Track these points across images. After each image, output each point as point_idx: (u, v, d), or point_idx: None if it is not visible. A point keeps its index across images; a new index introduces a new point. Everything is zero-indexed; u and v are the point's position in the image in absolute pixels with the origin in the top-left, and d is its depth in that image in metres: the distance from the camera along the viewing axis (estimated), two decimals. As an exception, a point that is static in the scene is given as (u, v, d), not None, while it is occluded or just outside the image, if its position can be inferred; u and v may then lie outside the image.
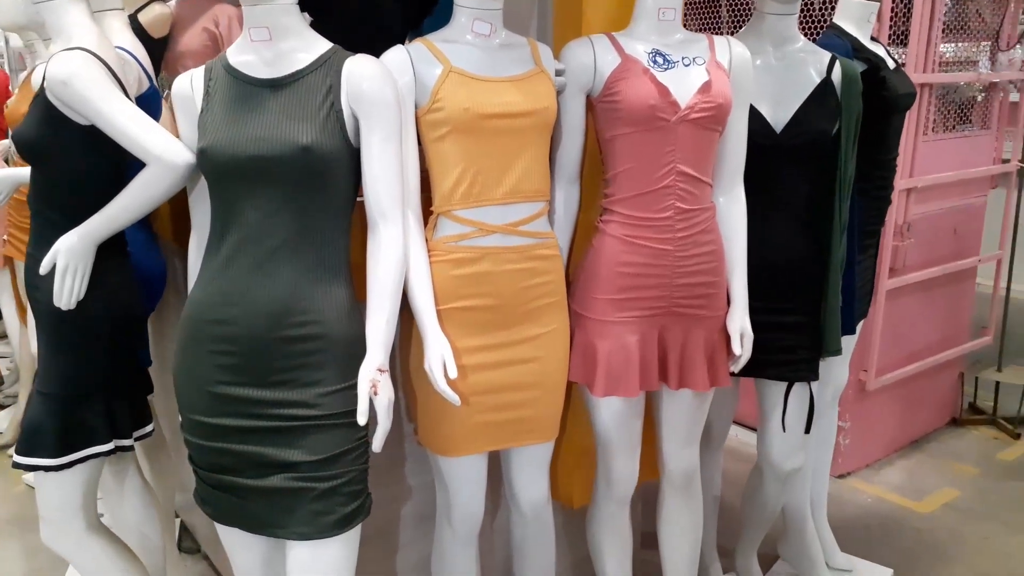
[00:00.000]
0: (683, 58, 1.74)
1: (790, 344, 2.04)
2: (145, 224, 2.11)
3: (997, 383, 3.91)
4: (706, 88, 1.71)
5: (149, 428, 1.92)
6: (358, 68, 1.48)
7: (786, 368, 2.06)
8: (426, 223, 1.67)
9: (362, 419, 1.44)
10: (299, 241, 1.47)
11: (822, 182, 2.00)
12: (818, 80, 1.96)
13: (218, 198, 1.51)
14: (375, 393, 1.45)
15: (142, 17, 2.49)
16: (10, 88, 4.30)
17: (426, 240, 1.65)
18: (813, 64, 1.98)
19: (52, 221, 1.67)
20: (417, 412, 1.76)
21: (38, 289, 1.69)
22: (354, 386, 1.47)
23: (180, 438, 1.88)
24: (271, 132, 1.44)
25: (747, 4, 3.34)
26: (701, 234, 1.79)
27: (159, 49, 2.63)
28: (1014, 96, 3.69)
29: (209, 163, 1.48)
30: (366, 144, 1.49)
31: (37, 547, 2.87)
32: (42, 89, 1.61)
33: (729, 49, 1.80)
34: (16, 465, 1.71)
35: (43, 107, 1.61)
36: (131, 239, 1.91)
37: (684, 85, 1.71)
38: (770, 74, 1.96)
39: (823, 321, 2.06)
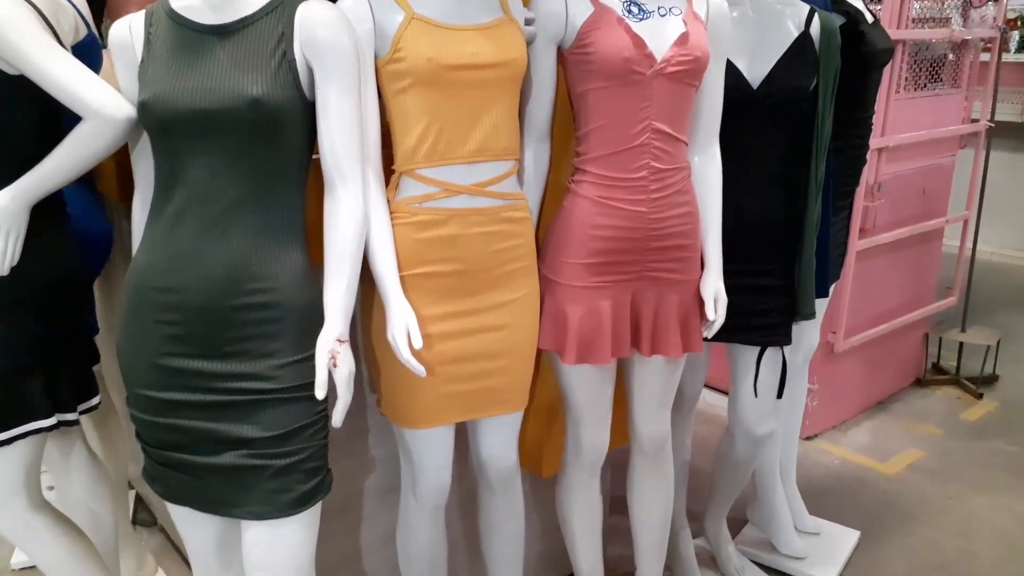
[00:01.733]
0: (659, 8, 1.65)
1: (764, 308, 1.99)
2: (88, 183, 1.98)
3: (961, 344, 3.94)
4: (683, 40, 1.62)
5: (95, 401, 1.81)
6: (312, 14, 1.37)
7: (759, 332, 2.02)
8: (388, 182, 1.57)
9: (320, 392, 1.36)
10: (250, 201, 1.37)
11: (799, 141, 1.94)
12: (796, 34, 1.88)
13: (162, 155, 1.40)
14: (334, 365, 1.36)
15: (84, -39, 2.31)
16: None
17: (388, 201, 1.55)
18: (791, 17, 1.90)
19: None
20: (380, 383, 1.68)
21: None
22: (311, 357, 1.38)
23: (129, 411, 1.77)
24: (218, 83, 1.33)
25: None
26: (676, 195, 1.72)
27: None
28: (984, 56, 3.66)
29: (151, 117, 1.36)
30: (321, 97, 1.39)
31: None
32: None
33: (707, 0, 1.71)
34: None
35: None
36: (73, 199, 1.78)
37: (660, 37, 1.62)
38: (747, 27, 1.88)
39: (797, 284, 2.01)
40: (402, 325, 1.48)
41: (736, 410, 2.16)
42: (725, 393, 2.98)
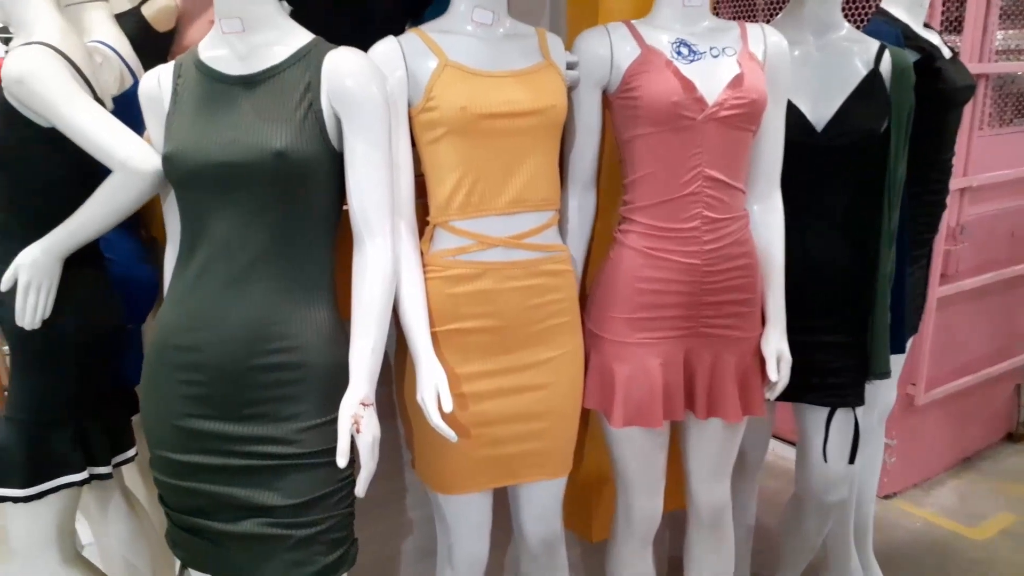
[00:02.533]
0: (711, 48, 1.55)
1: (833, 366, 1.83)
2: (132, 229, 1.97)
3: (1057, 396, 3.63)
4: (737, 82, 1.51)
5: (131, 453, 1.78)
6: (340, 63, 1.32)
7: (828, 392, 1.86)
8: (422, 235, 1.50)
9: (342, 460, 1.28)
10: (275, 257, 1.32)
11: (869, 186, 1.79)
12: (865, 72, 1.75)
13: (186, 209, 1.36)
14: (357, 430, 1.28)
15: (146, 10, 2.35)
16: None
17: (421, 254, 1.48)
18: (859, 54, 1.76)
19: (14, 232, 1.53)
20: (413, 443, 1.59)
21: (2, 305, 1.55)
22: (336, 420, 1.31)
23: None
24: (242, 135, 1.28)
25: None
26: (732, 246, 1.59)
27: (165, 44, 2.50)
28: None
29: (174, 170, 1.33)
30: (349, 149, 1.33)
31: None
32: (0, 88, 1.47)
33: (764, 38, 1.60)
34: None
35: (1, 107, 1.47)
36: (116, 246, 1.77)
37: (712, 79, 1.51)
38: (810, 66, 1.75)
39: (870, 341, 1.85)
40: (431, 386, 1.40)
41: (804, 476, 1.99)
42: (794, 444, 2.80)
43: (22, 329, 1.51)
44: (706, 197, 1.54)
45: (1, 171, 1.53)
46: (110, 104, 1.64)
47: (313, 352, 1.32)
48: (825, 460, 1.92)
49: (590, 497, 1.94)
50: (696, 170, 1.53)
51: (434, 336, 1.46)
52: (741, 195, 1.61)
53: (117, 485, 1.92)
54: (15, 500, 1.57)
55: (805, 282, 1.76)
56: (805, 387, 1.80)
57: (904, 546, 2.86)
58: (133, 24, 2.16)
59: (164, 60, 2.32)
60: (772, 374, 1.66)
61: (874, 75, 1.74)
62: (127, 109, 1.56)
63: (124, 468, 1.87)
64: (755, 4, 3.22)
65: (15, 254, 1.49)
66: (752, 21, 1.64)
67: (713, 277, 1.58)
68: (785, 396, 1.76)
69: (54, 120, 1.41)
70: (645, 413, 1.61)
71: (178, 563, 2.58)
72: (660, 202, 1.55)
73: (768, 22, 1.68)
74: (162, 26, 2.51)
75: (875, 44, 1.78)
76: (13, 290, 1.49)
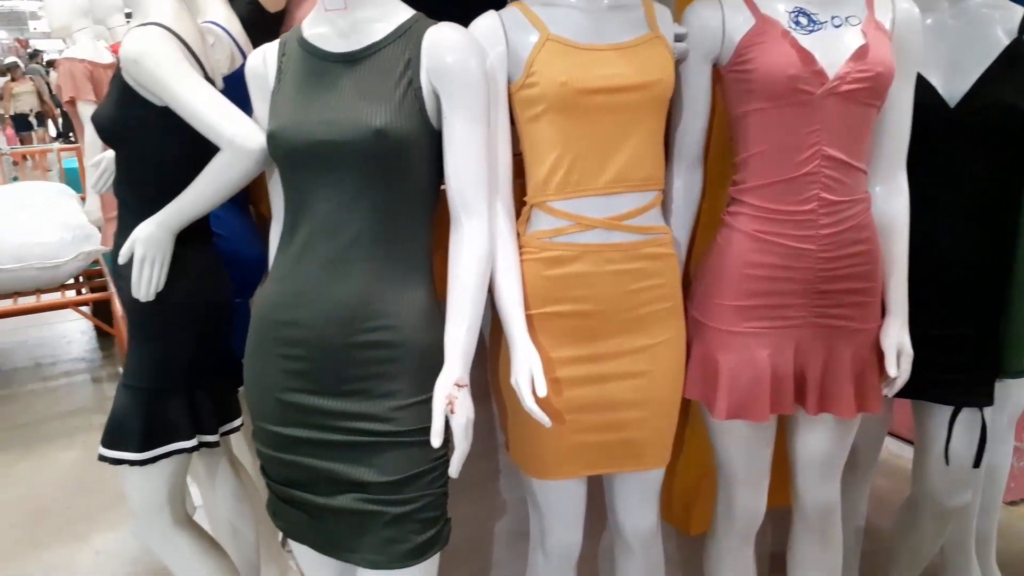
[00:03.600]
0: (833, 17, 1.44)
1: (959, 362, 1.70)
2: (241, 206, 2.03)
3: None
4: (861, 54, 1.40)
5: (237, 423, 1.84)
6: (440, 38, 1.30)
7: (953, 390, 1.72)
8: (519, 215, 1.47)
9: (436, 440, 1.27)
10: (375, 235, 1.32)
11: (1005, 168, 1.64)
12: (1007, 42, 1.59)
13: (289, 186, 1.37)
14: (451, 411, 1.27)
15: (257, -11, 2.41)
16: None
17: (518, 235, 1.45)
18: (1001, 22, 1.61)
19: (132, 207, 1.60)
20: (508, 427, 1.57)
21: (121, 278, 1.62)
22: (432, 400, 1.30)
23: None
24: (342, 114, 1.28)
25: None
26: (851, 231, 1.49)
27: (275, 23, 2.56)
28: None
29: (277, 148, 1.34)
30: (448, 126, 1.31)
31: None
32: (119, 68, 1.53)
33: (892, 5, 1.47)
34: (102, 458, 1.67)
35: (120, 86, 1.53)
36: (225, 223, 1.83)
37: (834, 50, 1.41)
38: (944, 35, 1.61)
39: (1003, 335, 1.70)
40: (526, 370, 1.37)
41: (922, 478, 1.86)
42: (910, 442, 2.62)
43: (138, 301, 1.57)
44: (824, 178, 1.44)
45: (119, 148, 1.60)
46: (220, 83, 1.68)
47: (410, 331, 1.32)
48: (947, 462, 1.79)
49: (689, 489, 1.87)
50: (814, 148, 1.43)
51: (528, 319, 1.42)
52: (863, 176, 1.50)
53: (224, 452, 2.00)
54: (131, 463, 1.65)
55: (931, 270, 1.63)
56: (928, 383, 1.68)
57: (1031, 556, 2.66)
58: (244, 5, 2.21)
59: (275, 39, 2.37)
60: (892, 369, 1.55)
61: (1018, 44, 1.58)
62: (237, 88, 1.59)
63: (232, 437, 1.94)
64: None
65: (132, 229, 1.55)
66: None
67: (829, 264, 1.49)
68: (905, 393, 1.64)
69: (166, 99, 1.45)
70: (750, 406, 1.53)
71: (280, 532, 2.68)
72: (774, 182, 1.47)
73: None
74: (272, 6, 2.56)
75: (1020, 10, 1.61)
76: (131, 263, 1.55)
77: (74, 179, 5.01)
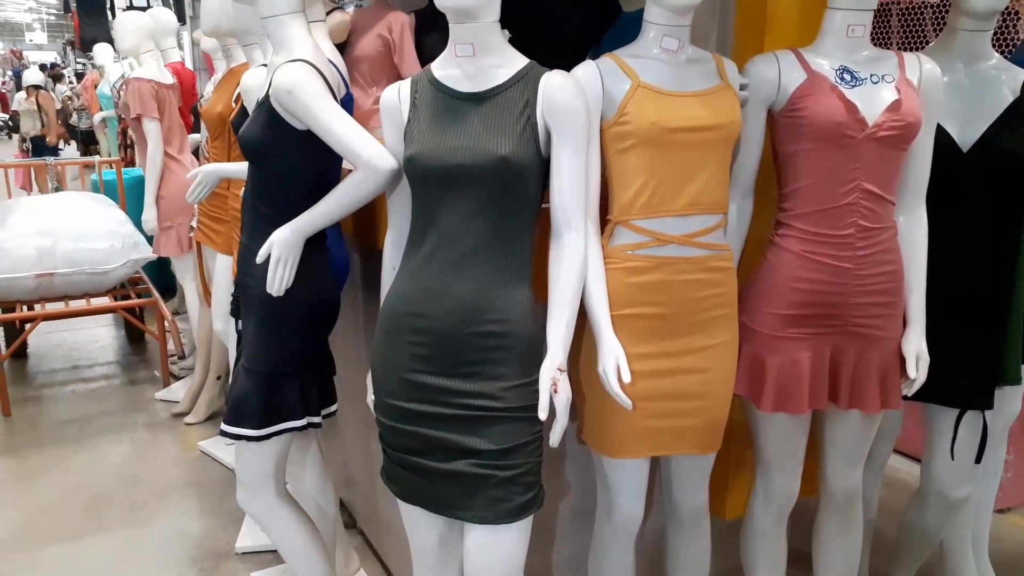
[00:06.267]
0: (871, 75, 1.73)
1: (966, 369, 1.98)
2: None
3: None
4: (896, 106, 1.69)
5: (334, 408, 2.07)
6: (554, 83, 1.56)
7: (959, 394, 2.00)
8: (602, 232, 1.73)
9: (543, 414, 1.51)
10: (491, 244, 1.57)
11: (1010, 205, 1.93)
12: (1011, 99, 1.89)
13: (420, 201, 1.62)
14: (555, 391, 1.52)
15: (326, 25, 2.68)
16: (196, 86, 4.69)
17: (602, 247, 1.71)
18: (1007, 82, 1.91)
19: (266, 215, 1.84)
20: (584, 412, 1.83)
21: (251, 276, 1.86)
22: (534, 382, 1.55)
23: (349, 419, 1.97)
24: (472, 143, 1.54)
25: (919, 14, 3.21)
26: (882, 253, 1.77)
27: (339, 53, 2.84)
28: None
29: (415, 169, 1.59)
30: (556, 155, 1.57)
31: (211, 508, 3.15)
32: (267, 96, 1.78)
33: (919, 66, 1.77)
34: (223, 433, 1.90)
35: (267, 112, 1.77)
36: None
37: (873, 103, 1.70)
38: (959, 92, 1.91)
39: (1003, 347, 1.98)
40: (613, 360, 1.62)
41: (930, 472, 2.13)
42: (911, 458, 2.89)
43: (267, 295, 1.81)
44: (861, 208, 1.72)
45: (260, 165, 1.84)
46: None
47: (517, 324, 1.57)
48: (952, 458, 2.06)
49: (726, 479, 2.12)
50: (854, 183, 1.71)
51: (611, 319, 1.68)
52: (892, 207, 1.79)
53: (316, 436, 2.23)
54: (249, 439, 1.88)
55: (944, 290, 1.91)
56: (938, 388, 1.94)
57: (1018, 557, 2.92)
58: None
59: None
60: (911, 371, 1.82)
61: (1020, 102, 1.88)
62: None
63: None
64: (890, 29, 3.33)
65: (265, 234, 1.79)
66: (886, 45, 1.81)
67: (863, 281, 1.76)
68: (919, 395, 1.92)
69: (312, 125, 1.70)
70: (792, 400, 1.80)
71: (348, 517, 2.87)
72: (819, 210, 1.74)
73: (905, 47, 1.84)
74: (336, 38, 2.83)
75: (1022, 73, 1.92)
76: (263, 262, 1.79)
77: (110, 191, 5.21)
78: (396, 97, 1.67)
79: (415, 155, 1.58)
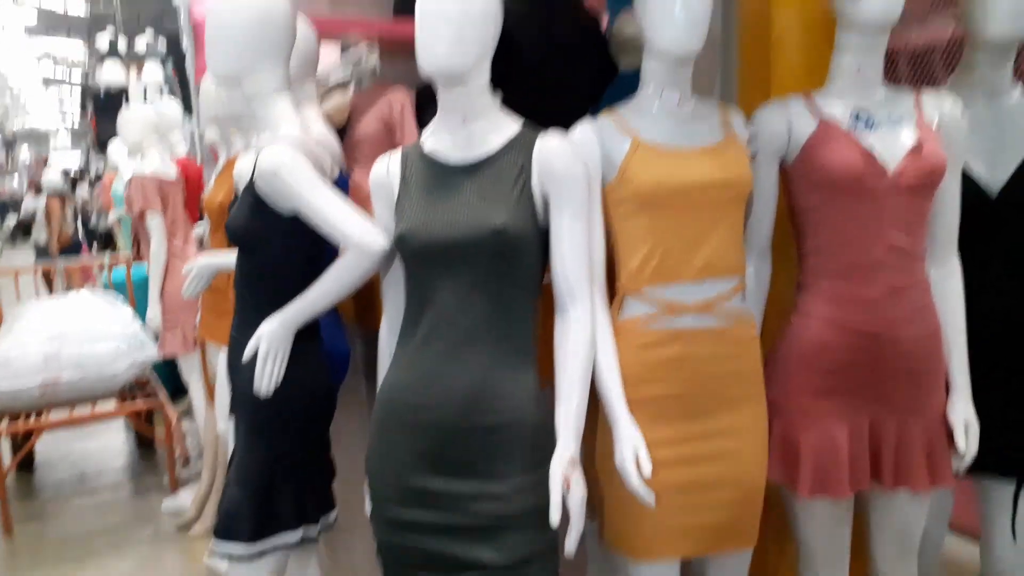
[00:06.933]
0: (888, 117, 1.60)
1: (1020, 435, 1.77)
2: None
3: None
4: (917, 150, 1.55)
5: (334, 515, 1.90)
6: (549, 147, 1.46)
7: (1016, 461, 1.79)
8: (610, 302, 1.59)
9: (555, 516, 1.34)
10: (492, 324, 1.44)
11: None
12: (1041, 135, 1.75)
13: (414, 281, 1.51)
14: (568, 488, 1.35)
15: (323, 106, 2.63)
16: (203, 178, 4.67)
17: (612, 321, 1.57)
18: (1034, 118, 1.77)
19: (254, 305, 1.71)
20: (604, 509, 1.64)
21: (239, 373, 1.72)
22: (544, 479, 1.39)
23: (358, 526, 1.81)
24: (466, 215, 1.43)
25: (928, 56, 3.12)
26: (916, 312, 1.61)
27: (339, 136, 2.78)
28: None
29: (407, 247, 1.48)
30: (555, 222, 1.45)
31: (219, 625, 2.94)
32: (252, 179, 1.68)
33: (939, 105, 1.64)
34: (214, 552, 1.73)
35: (252, 196, 1.67)
36: (320, 321, 1.95)
37: (892, 148, 1.56)
38: (982, 130, 1.77)
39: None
40: (631, 448, 1.45)
41: (989, 555, 1.89)
42: (963, 534, 2.64)
43: (255, 396, 1.67)
44: (890, 264, 1.57)
45: (247, 252, 1.73)
46: None
47: (523, 413, 1.42)
48: (1014, 538, 1.83)
49: (767, 564, 1.92)
50: (879, 238, 1.56)
51: (626, 401, 1.51)
52: (922, 261, 1.63)
53: (314, 549, 2.05)
54: (240, 558, 1.71)
55: (988, 347, 1.74)
56: (991, 457, 1.74)
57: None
58: (312, 122, 2.41)
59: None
60: (961, 443, 1.63)
61: (1051, 138, 1.74)
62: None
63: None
64: (898, 71, 3.23)
65: (254, 325, 1.66)
66: (895, 82, 1.68)
67: (898, 344, 1.59)
68: (969, 468, 1.71)
69: (298, 206, 1.59)
70: (832, 482, 1.61)
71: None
72: (842, 270, 1.59)
73: (911, 83, 1.71)
74: (336, 121, 2.77)
75: (1052, 107, 1.78)
76: (251, 359, 1.65)
77: (120, 290, 5.16)
78: (385, 172, 1.57)
79: (406, 232, 1.47)
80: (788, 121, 1.62)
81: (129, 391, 4.32)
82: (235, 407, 1.78)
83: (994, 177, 1.75)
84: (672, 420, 1.54)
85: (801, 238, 1.69)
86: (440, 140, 1.53)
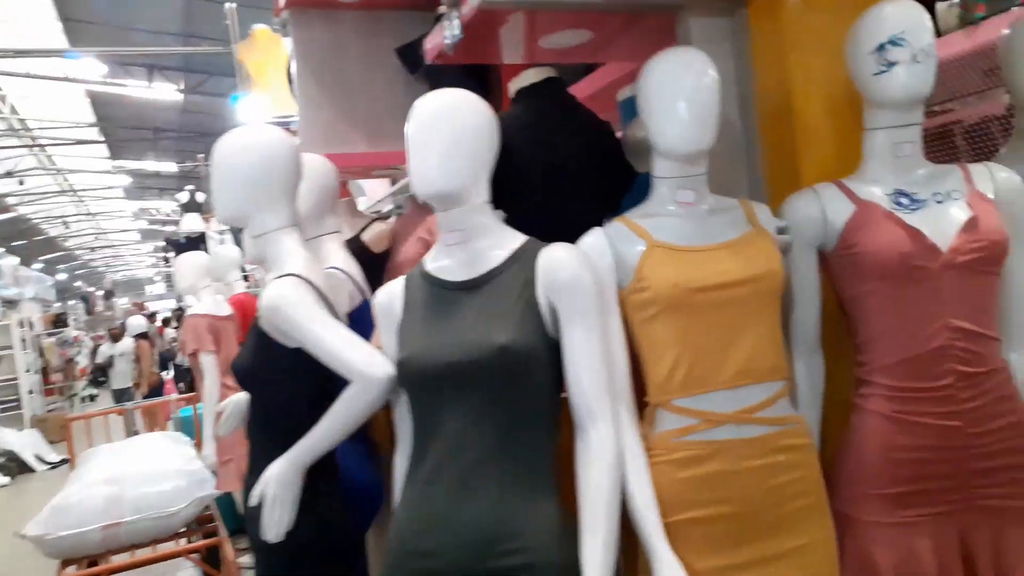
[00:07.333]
0: (934, 195, 1.46)
1: None
2: (359, 435, 2.06)
3: None
4: (972, 225, 1.40)
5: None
6: (553, 257, 1.37)
7: None
8: (640, 417, 1.45)
9: None
10: (503, 452, 1.31)
11: None
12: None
13: (418, 410, 1.41)
14: None
15: (365, 236, 2.64)
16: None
17: (643, 437, 1.42)
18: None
19: (263, 446, 1.64)
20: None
21: (251, 520, 1.63)
22: None
23: None
24: (467, 335, 1.34)
25: (986, 128, 2.94)
26: (997, 402, 1.41)
27: (381, 262, 2.77)
28: None
29: (407, 374, 1.39)
30: (567, 336, 1.34)
31: None
32: (257, 317, 1.64)
33: (991, 176, 1.49)
34: None
35: (257, 334, 1.63)
36: (344, 453, 1.84)
37: (942, 225, 1.41)
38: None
39: None
40: None
41: None
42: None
43: (268, 542, 1.56)
44: (957, 350, 1.39)
45: (255, 392, 1.67)
46: (344, 321, 1.77)
47: (545, 553, 1.27)
48: None
49: None
50: (940, 322, 1.39)
51: (665, 528, 1.35)
52: (997, 344, 1.44)
53: None
54: None
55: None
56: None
57: None
58: (354, 247, 2.39)
59: (381, 276, 2.55)
60: (1074, 551, 1.39)
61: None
62: (359, 325, 1.68)
63: None
64: (956, 150, 3.06)
65: (261, 469, 1.58)
66: (954, 159, 1.54)
67: (981, 439, 1.40)
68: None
69: (300, 338, 1.53)
70: (920, 608, 1.38)
71: None
72: (903, 360, 1.42)
73: (971, 158, 1.57)
74: (378, 247, 2.76)
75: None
76: (255, 505, 1.56)
77: (188, 427, 5.21)
78: (387, 298, 1.50)
79: (406, 358, 1.39)
80: (822, 207, 1.50)
81: (193, 528, 4.27)
82: (254, 556, 1.67)
83: None
84: (721, 547, 1.36)
85: (853, 329, 1.52)
86: (442, 262, 1.46)
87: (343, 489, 1.74)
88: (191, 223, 10.99)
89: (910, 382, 1.42)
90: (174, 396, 6.31)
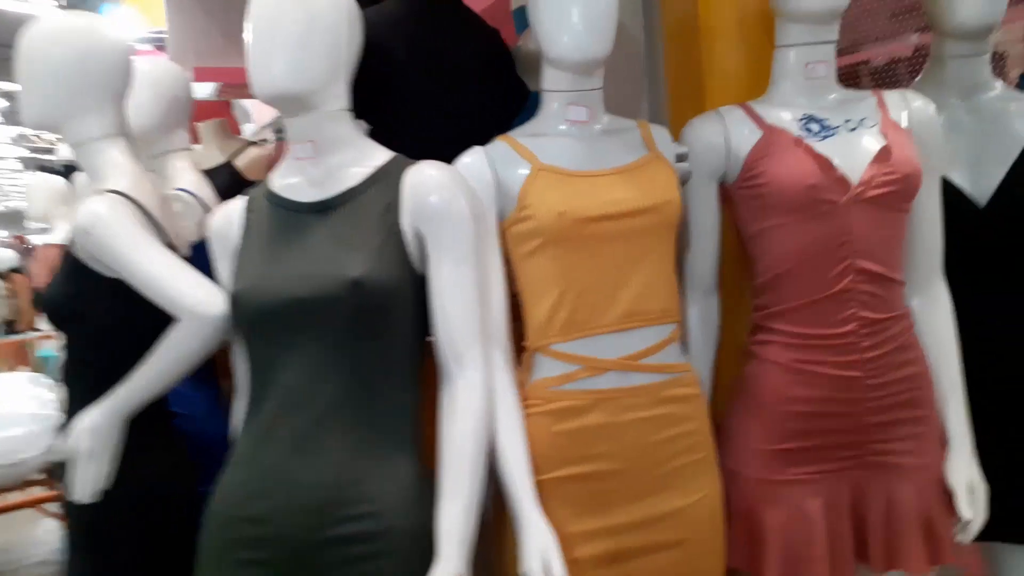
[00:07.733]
0: (846, 121, 1.33)
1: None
2: (206, 380, 1.83)
3: None
4: (884, 155, 1.28)
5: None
6: (423, 177, 1.17)
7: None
8: (518, 362, 1.29)
9: None
10: (353, 404, 1.14)
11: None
12: (1029, 133, 1.48)
13: (254, 355, 1.21)
14: None
15: (239, 161, 2.37)
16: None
17: (519, 385, 1.26)
18: (1018, 114, 1.50)
19: (78, 394, 1.39)
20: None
21: (61, 479, 1.39)
22: None
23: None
24: (314, 267, 1.14)
25: (892, 70, 2.89)
26: (897, 352, 1.32)
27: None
28: None
29: (241, 312, 1.19)
30: (435, 270, 1.17)
31: None
32: (70, 243, 1.38)
33: (907, 104, 1.37)
34: None
35: (69, 262, 1.37)
36: (189, 400, 1.62)
37: (853, 155, 1.29)
38: (961, 133, 1.50)
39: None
40: (538, 555, 1.13)
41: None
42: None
43: (79, 505, 1.33)
44: (861, 294, 1.28)
45: (69, 330, 1.41)
46: (186, 251, 1.53)
47: (395, 516, 1.11)
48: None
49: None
50: (846, 262, 1.28)
51: (539, 486, 1.21)
52: (901, 289, 1.35)
53: None
54: None
55: (988, 387, 1.44)
56: (1004, 520, 1.43)
57: None
58: (226, 176, 2.15)
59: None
60: (965, 511, 1.33)
61: (1042, 137, 1.47)
62: (207, 255, 1.45)
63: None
64: (860, 82, 3.00)
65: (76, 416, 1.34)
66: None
67: (878, 391, 1.31)
68: (980, 535, 1.40)
69: (118, 268, 1.28)
70: (806, 569, 1.31)
71: None
72: (805, 304, 1.31)
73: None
74: (252, 174, 2.49)
75: (1035, 102, 1.52)
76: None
77: (53, 368, 4.84)
78: (225, 221, 1.29)
79: (239, 293, 1.19)
80: (725, 132, 1.35)
81: (55, 479, 3.97)
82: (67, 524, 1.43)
83: (979, 186, 1.48)
84: (600, 507, 1.23)
85: (754, 270, 1.40)
86: (289, 179, 1.25)
87: (183, 443, 1.51)
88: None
89: (810, 328, 1.31)
90: (33, 334, 5.83)
